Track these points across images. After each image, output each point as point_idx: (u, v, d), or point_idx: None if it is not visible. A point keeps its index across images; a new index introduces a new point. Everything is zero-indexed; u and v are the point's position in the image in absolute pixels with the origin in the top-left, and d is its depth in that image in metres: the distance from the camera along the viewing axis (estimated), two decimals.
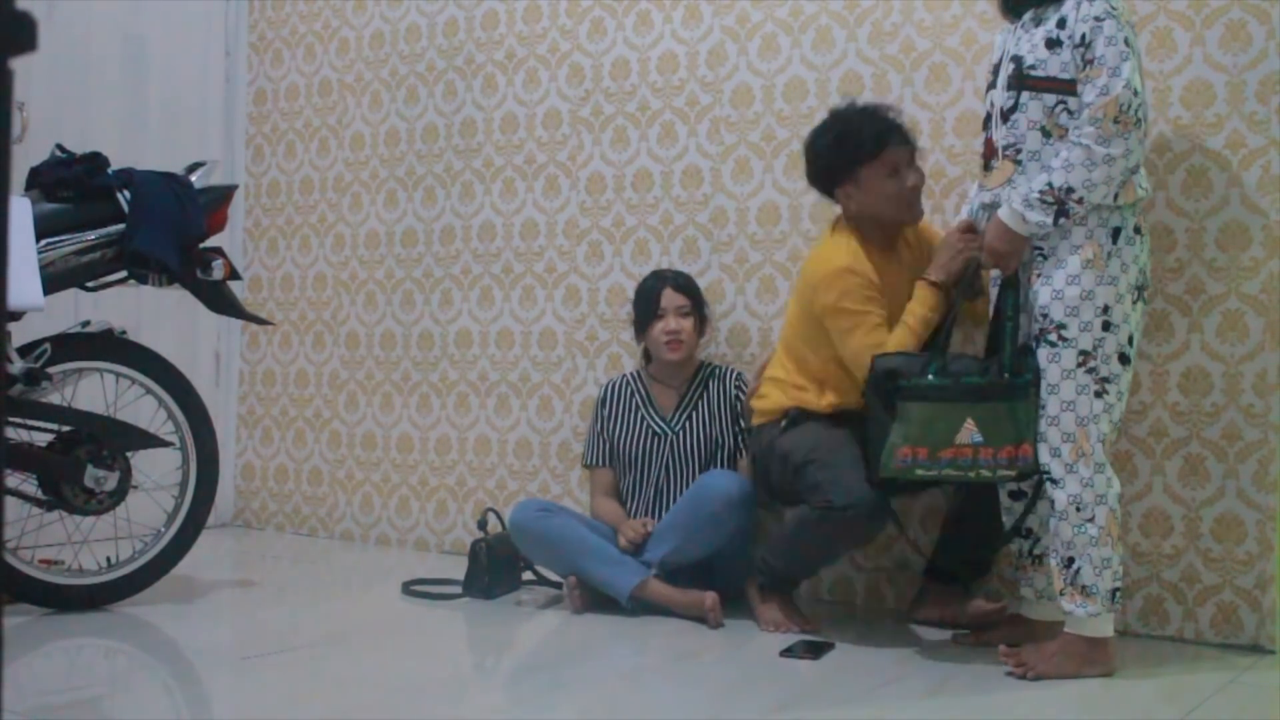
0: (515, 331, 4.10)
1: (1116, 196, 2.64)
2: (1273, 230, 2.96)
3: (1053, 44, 2.69)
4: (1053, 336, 2.67)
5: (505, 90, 4.14)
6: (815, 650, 2.87)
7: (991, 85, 2.84)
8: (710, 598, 3.13)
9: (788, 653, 2.86)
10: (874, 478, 2.85)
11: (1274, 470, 2.95)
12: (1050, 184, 2.62)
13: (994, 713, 2.48)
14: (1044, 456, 2.68)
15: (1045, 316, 2.68)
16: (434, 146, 4.30)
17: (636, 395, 3.55)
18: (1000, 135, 2.78)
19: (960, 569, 3.12)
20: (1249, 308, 2.98)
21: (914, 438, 2.73)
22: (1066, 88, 2.67)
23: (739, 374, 3.53)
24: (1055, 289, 2.67)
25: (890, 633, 3.12)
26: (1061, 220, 2.64)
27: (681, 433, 3.48)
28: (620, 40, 3.92)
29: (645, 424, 3.51)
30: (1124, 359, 2.69)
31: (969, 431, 2.69)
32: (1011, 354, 2.72)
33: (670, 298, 3.47)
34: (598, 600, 3.27)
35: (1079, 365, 2.65)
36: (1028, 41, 2.74)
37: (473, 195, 4.21)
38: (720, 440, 3.47)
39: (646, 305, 3.48)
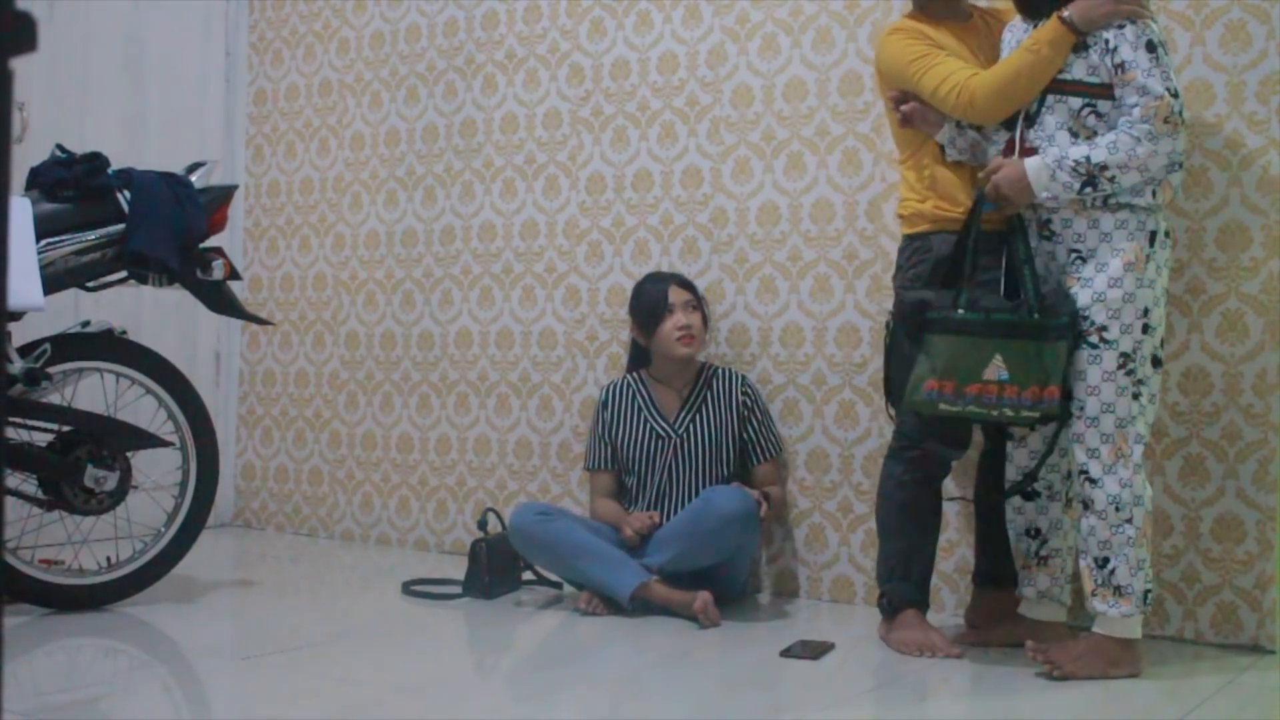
0: (515, 331, 4.10)
1: (1155, 194, 2.67)
2: (1273, 230, 2.96)
3: (1079, 49, 2.69)
4: (1094, 339, 2.67)
5: (505, 90, 4.14)
6: (815, 650, 2.87)
7: None
8: (700, 598, 3.13)
9: (787, 653, 2.86)
10: (897, 408, 2.86)
11: (1274, 470, 2.95)
12: (1089, 157, 2.62)
13: (994, 713, 2.48)
14: (1081, 457, 2.68)
15: (1086, 319, 2.68)
16: (434, 146, 4.30)
17: (639, 397, 3.55)
18: (1029, 136, 2.76)
19: (1007, 570, 3.01)
20: (1249, 308, 2.98)
21: (940, 371, 2.69)
22: (1093, 91, 2.67)
23: (744, 376, 3.53)
24: (1097, 291, 2.67)
25: None
26: (1087, 190, 2.64)
27: (686, 435, 3.48)
28: (620, 40, 3.92)
29: (649, 426, 3.51)
30: (1156, 361, 2.72)
31: (996, 368, 2.66)
32: (1035, 294, 2.69)
33: (677, 293, 3.47)
34: (611, 602, 3.25)
35: (1119, 368, 2.66)
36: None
37: (473, 195, 4.21)
38: (725, 443, 3.47)
39: (654, 305, 3.47)
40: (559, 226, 4.02)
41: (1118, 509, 2.65)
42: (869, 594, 3.45)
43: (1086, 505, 2.69)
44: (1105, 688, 2.62)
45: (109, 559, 3.32)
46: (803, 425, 3.56)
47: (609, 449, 3.55)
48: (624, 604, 3.20)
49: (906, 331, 2.82)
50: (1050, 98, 2.72)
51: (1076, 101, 2.70)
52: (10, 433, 3.11)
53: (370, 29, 4.47)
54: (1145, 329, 2.67)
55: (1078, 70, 2.69)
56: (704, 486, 3.42)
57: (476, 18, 4.22)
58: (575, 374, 3.98)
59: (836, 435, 3.52)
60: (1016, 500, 2.88)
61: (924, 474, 2.95)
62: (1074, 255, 2.72)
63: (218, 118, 4.75)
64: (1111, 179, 2.62)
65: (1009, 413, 2.68)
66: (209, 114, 4.72)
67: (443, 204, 4.28)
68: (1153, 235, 2.69)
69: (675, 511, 3.41)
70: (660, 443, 3.49)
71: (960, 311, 2.70)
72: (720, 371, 3.53)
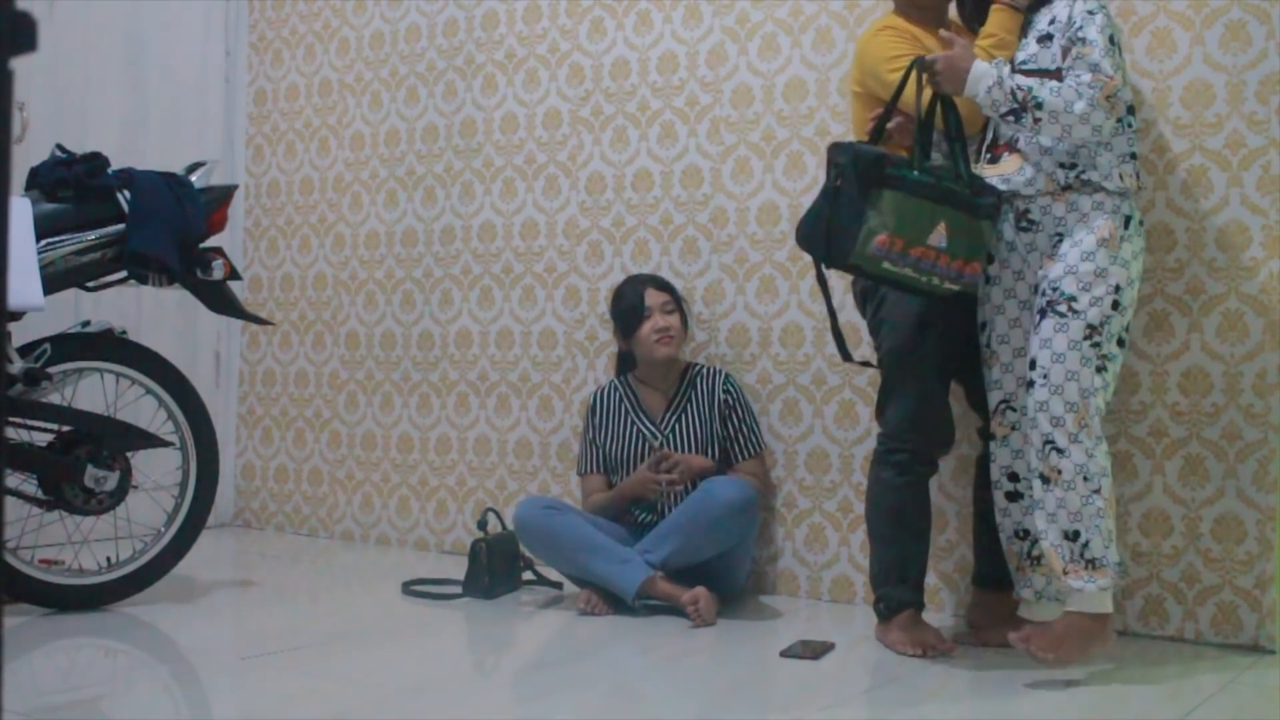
0: (515, 331, 4.10)
1: (1123, 178, 2.71)
2: (1273, 230, 2.96)
3: (1044, 39, 2.75)
4: (1062, 308, 2.68)
5: (505, 90, 4.14)
6: (815, 650, 2.87)
7: None
8: (693, 592, 3.13)
9: (787, 653, 2.86)
10: (836, 261, 2.76)
11: (1274, 470, 2.95)
12: (1031, 88, 2.65)
13: (994, 713, 2.48)
14: (1045, 426, 2.66)
15: (1055, 289, 2.69)
16: (434, 146, 4.30)
17: (626, 401, 3.56)
18: (1002, 132, 2.83)
19: (1005, 571, 3.00)
20: (1249, 308, 2.98)
21: (892, 227, 2.66)
22: (1057, 78, 2.70)
23: (726, 375, 3.53)
24: (1069, 264, 2.70)
25: None
26: (1009, 118, 2.68)
27: (671, 435, 3.48)
28: (620, 40, 3.92)
29: (635, 429, 3.52)
30: (1121, 343, 2.73)
31: (940, 235, 2.68)
32: (968, 171, 2.76)
33: (653, 296, 3.47)
34: (612, 601, 3.26)
35: (1085, 338, 2.66)
36: (1022, 53, 2.80)
37: (473, 195, 4.21)
38: (709, 441, 3.47)
39: (630, 308, 3.48)
40: (559, 226, 4.02)
41: (1086, 479, 2.63)
42: (869, 594, 3.44)
43: (1049, 479, 2.66)
44: (1105, 688, 2.62)
45: (109, 559, 3.32)
46: (803, 425, 3.56)
47: (599, 453, 3.56)
48: (629, 599, 3.20)
49: (858, 185, 2.70)
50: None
51: None
52: (10, 433, 3.11)
53: (370, 29, 4.47)
54: (1115, 305, 2.68)
55: (1043, 60, 2.74)
56: (690, 485, 3.42)
57: (476, 18, 4.22)
58: (575, 374, 3.98)
59: (836, 435, 3.52)
60: (1002, 502, 2.88)
61: (912, 476, 2.95)
62: (1055, 239, 2.76)
63: (218, 118, 4.75)
64: (1037, 120, 2.65)
65: (935, 281, 2.70)
66: (209, 114, 4.72)
67: (443, 204, 4.28)
68: (1127, 219, 2.72)
69: (664, 511, 3.42)
70: (646, 444, 3.49)
71: (917, 173, 2.70)
72: (704, 370, 3.54)
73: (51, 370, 3.14)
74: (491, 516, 3.59)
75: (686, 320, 3.55)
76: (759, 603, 3.50)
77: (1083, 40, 2.69)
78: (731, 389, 3.50)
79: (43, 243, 3.08)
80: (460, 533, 4.16)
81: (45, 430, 3.19)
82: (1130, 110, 2.77)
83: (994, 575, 3.04)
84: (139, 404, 3.38)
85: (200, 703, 2.68)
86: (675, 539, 3.23)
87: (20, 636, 2.97)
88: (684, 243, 3.77)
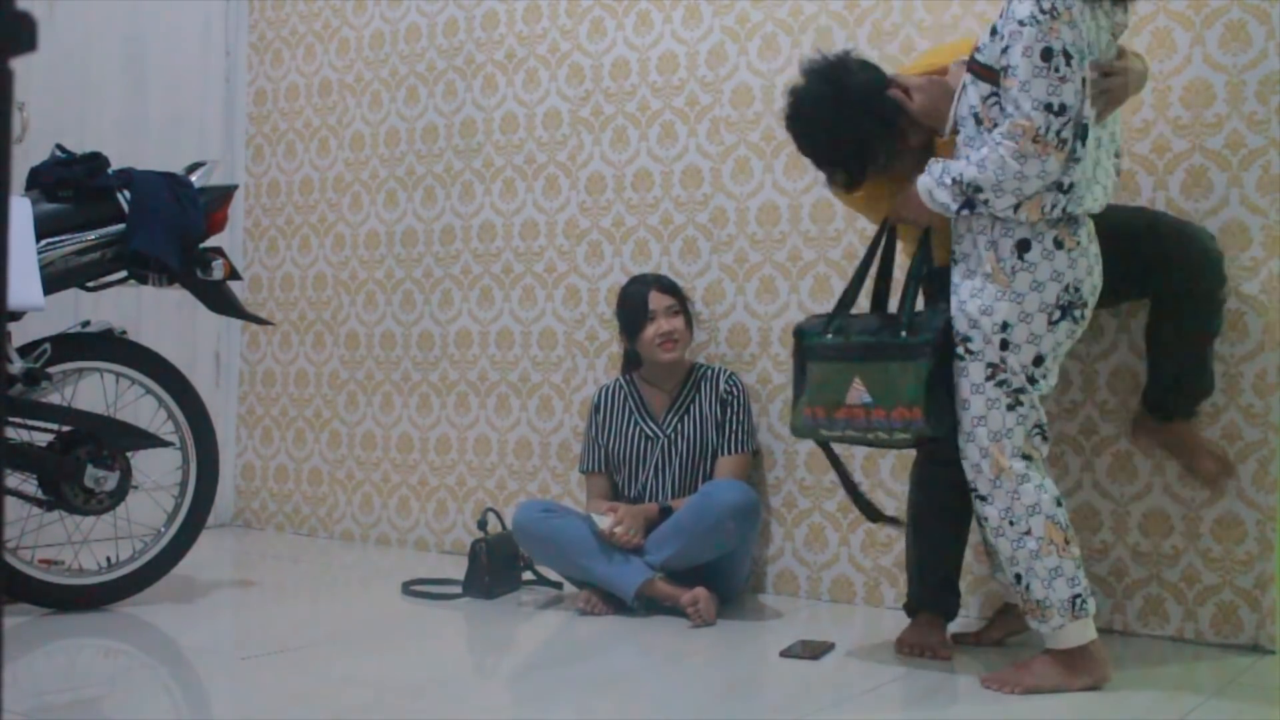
0: (515, 331, 4.10)
1: (1017, 209, 2.49)
2: (1273, 230, 2.96)
3: (994, 32, 2.52)
4: (960, 349, 2.57)
5: (505, 90, 4.14)
6: (815, 650, 2.87)
7: None
8: (693, 593, 3.14)
9: (787, 653, 2.86)
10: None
11: (1274, 470, 2.95)
12: (962, 175, 2.50)
13: (994, 713, 2.48)
14: (969, 473, 2.60)
15: (954, 329, 2.59)
16: (434, 146, 4.30)
17: (630, 400, 3.56)
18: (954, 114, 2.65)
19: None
20: (1249, 308, 2.98)
21: (813, 398, 2.69)
22: (994, 81, 2.51)
23: (730, 374, 3.53)
24: (960, 300, 2.58)
25: (890, 632, 3.11)
26: (965, 212, 2.53)
27: (674, 435, 3.48)
28: (620, 40, 3.92)
29: (638, 428, 3.52)
30: (1029, 378, 2.55)
31: (858, 392, 2.62)
32: (910, 313, 2.63)
33: (658, 299, 3.46)
34: (611, 601, 3.26)
35: (987, 379, 2.54)
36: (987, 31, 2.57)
37: (473, 195, 4.21)
38: (710, 441, 3.46)
39: (635, 310, 3.47)
40: (559, 226, 4.02)
41: (1012, 523, 2.54)
42: (869, 594, 3.45)
43: (982, 524, 2.62)
44: (1105, 688, 2.61)
45: (109, 559, 3.32)
46: None
47: (601, 451, 3.56)
48: (628, 601, 3.20)
49: (797, 358, 2.81)
50: (967, 77, 2.57)
51: (985, 87, 2.53)
52: (10, 433, 3.11)
53: (370, 29, 4.47)
54: (1005, 345, 2.52)
55: (988, 55, 2.52)
56: (692, 485, 3.42)
57: (476, 18, 4.22)
58: (575, 374, 3.98)
59: None
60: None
61: (918, 480, 2.95)
62: (954, 261, 2.63)
63: (218, 118, 4.75)
64: (985, 201, 2.49)
65: (882, 435, 2.63)
66: (209, 114, 4.72)
67: (443, 204, 4.28)
68: (1024, 244, 2.51)
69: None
70: (649, 443, 3.49)
71: (829, 336, 2.71)
72: (710, 371, 3.53)
73: (51, 370, 3.14)
74: (491, 516, 3.59)
75: (691, 323, 3.54)
76: (759, 603, 3.50)
77: (1006, 69, 2.45)
78: (733, 387, 3.50)
79: (43, 243, 3.08)
80: (460, 533, 4.16)
81: (45, 430, 3.19)
82: (1083, 133, 2.49)
83: (927, 600, 2.97)
84: (139, 404, 3.38)
85: (200, 703, 2.68)
86: (676, 541, 3.23)
87: (20, 636, 2.97)
88: (684, 243, 3.77)
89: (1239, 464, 2.98)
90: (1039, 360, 2.56)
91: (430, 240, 4.30)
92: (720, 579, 3.28)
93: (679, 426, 3.49)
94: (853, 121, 2.73)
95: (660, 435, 3.49)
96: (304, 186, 4.63)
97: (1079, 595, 2.54)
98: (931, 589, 2.93)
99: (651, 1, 3.87)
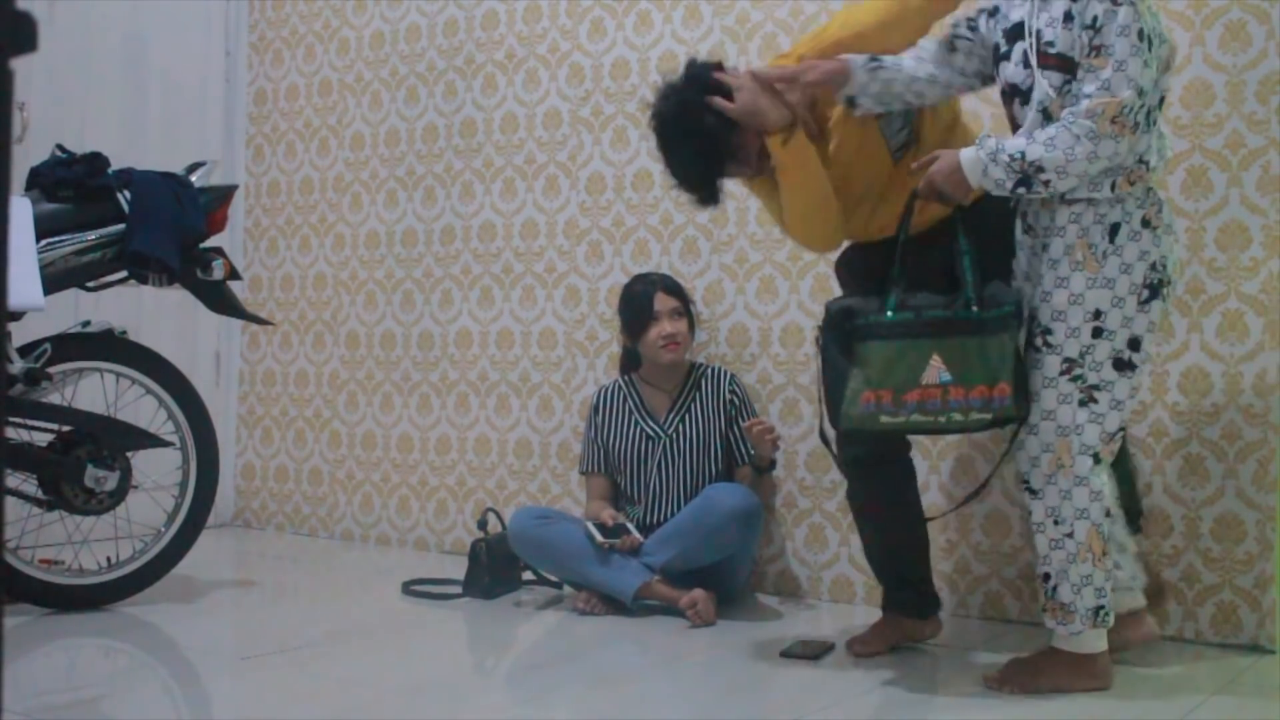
0: (515, 331, 4.10)
1: (1114, 186, 2.45)
2: (1273, 230, 2.96)
3: (1068, 18, 2.43)
4: (1038, 341, 2.51)
5: (505, 90, 4.15)
6: (815, 650, 2.87)
7: (1004, 58, 2.59)
8: (692, 594, 3.14)
9: (787, 653, 2.86)
10: (837, 426, 2.61)
11: (1274, 470, 2.95)
12: (1024, 153, 2.40)
13: (994, 713, 2.48)
14: (1023, 465, 2.55)
15: (1033, 319, 2.53)
16: (434, 146, 4.30)
17: (630, 400, 3.55)
18: (1020, 114, 2.56)
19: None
20: (1249, 308, 2.98)
21: (876, 381, 2.49)
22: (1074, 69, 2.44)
23: (732, 375, 3.53)
24: (1044, 290, 2.51)
25: None
26: (1020, 190, 2.44)
27: (675, 435, 3.48)
28: (620, 40, 3.92)
29: (639, 428, 3.51)
30: (1120, 364, 2.48)
31: (936, 370, 2.46)
32: (976, 286, 2.50)
33: (663, 301, 3.45)
34: (611, 601, 3.26)
35: (1062, 373, 2.48)
36: (1046, 15, 2.48)
37: (473, 195, 4.21)
38: (713, 442, 3.46)
39: (639, 311, 3.46)
40: (559, 226, 4.02)
41: (1056, 523, 2.50)
42: (869, 594, 3.45)
43: (1029, 516, 2.58)
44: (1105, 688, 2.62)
45: (109, 559, 3.32)
46: (803, 425, 3.56)
47: (601, 452, 3.56)
48: (627, 603, 3.20)
49: (837, 344, 2.58)
50: (1040, 72, 2.47)
51: (1058, 77, 2.45)
52: (10, 433, 3.11)
53: (370, 29, 4.47)
54: (1097, 333, 2.46)
55: (1062, 44, 2.44)
56: (694, 486, 3.42)
57: (476, 18, 4.22)
58: (575, 374, 3.98)
59: None
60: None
61: (847, 481, 2.94)
62: (1044, 248, 2.54)
63: (218, 118, 4.75)
64: (1047, 182, 2.40)
65: (958, 417, 2.48)
66: (209, 114, 4.72)
67: (443, 204, 4.28)
68: (1115, 228, 2.46)
69: (667, 512, 3.42)
70: (650, 444, 3.49)
71: (890, 314, 2.52)
72: (710, 371, 3.53)
73: (51, 370, 3.14)
74: (491, 516, 3.59)
75: (694, 323, 3.54)
76: (759, 603, 3.50)
77: (1098, 49, 2.38)
78: (738, 391, 3.49)
79: (43, 243, 3.08)
80: (460, 533, 4.16)
81: (45, 430, 3.20)
82: (1156, 108, 2.46)
83: (897, 601, 2.98)
84: (139, 404, 3.38)
85: (200, 703, 2.68)
86: (676, 544, 3.23)
87: (20, 636, 2.97)
88: (684, 243, 3.77)
89: (1239, 464, 2.98)
90: (1135, 343, 2.49)
91: (430, 240, 4.30)
92: (720, 580, 3.28)
93: (680, 427, 3.48)
94: (678, 148, 2.71)
95: (662, 435, 3.49)
96: (304, 186, 4.63)
97: (1103, 606, 2.53)
98: (886, 588, 2.94)
99: (651, 1, 3.87)
